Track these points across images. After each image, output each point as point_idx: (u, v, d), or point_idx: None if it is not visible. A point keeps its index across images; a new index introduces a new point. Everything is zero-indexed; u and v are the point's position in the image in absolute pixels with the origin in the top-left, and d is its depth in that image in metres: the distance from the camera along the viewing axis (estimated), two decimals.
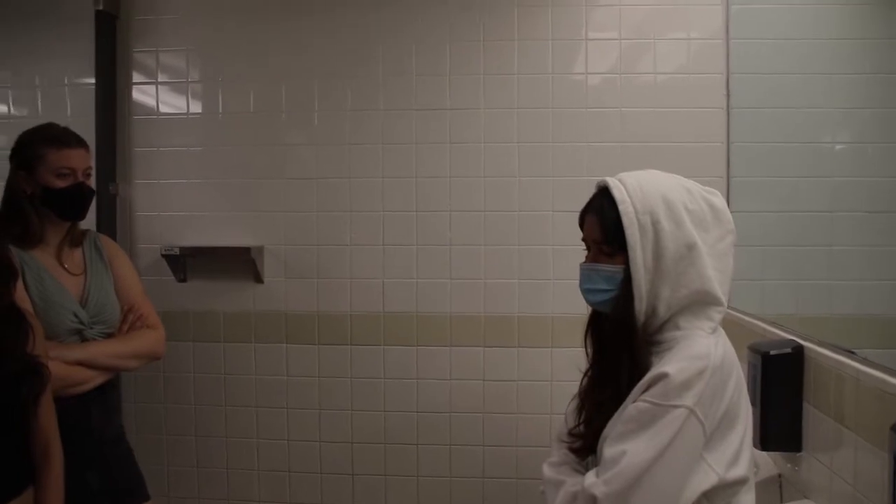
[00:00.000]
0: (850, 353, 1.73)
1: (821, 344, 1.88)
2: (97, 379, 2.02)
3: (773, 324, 2.22)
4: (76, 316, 2.01)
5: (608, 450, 1.24)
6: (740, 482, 1.28)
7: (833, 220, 2.20)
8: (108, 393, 2.12)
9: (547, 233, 2.78)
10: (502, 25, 2.84)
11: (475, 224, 2.86)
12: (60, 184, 2.01)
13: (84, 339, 2.03)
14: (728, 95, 2.75)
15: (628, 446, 1.21)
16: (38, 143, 2.03)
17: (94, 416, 2.04)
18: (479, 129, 2.85)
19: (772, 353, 1.94)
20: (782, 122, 2.45)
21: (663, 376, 1.22)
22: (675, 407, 1.21)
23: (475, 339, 2.87)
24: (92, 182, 2.13)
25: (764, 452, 2.13)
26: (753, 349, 1.99)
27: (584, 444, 1.38)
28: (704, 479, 1.23)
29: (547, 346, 2.74)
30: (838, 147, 2.28)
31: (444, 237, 2.88)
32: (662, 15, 2.79)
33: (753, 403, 1.97)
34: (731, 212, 2.71)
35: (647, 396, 1.23)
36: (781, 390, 1.92)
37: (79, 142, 2.09)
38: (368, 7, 2.89)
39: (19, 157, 2.03)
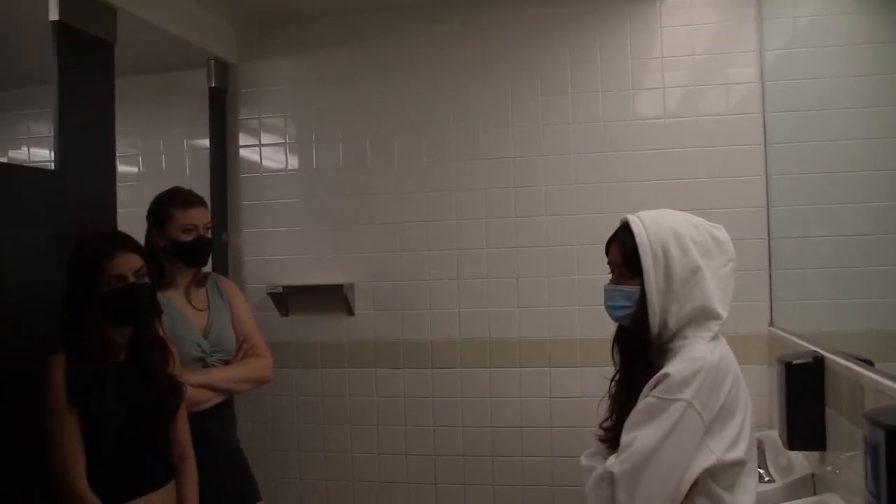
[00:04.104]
0: (866, 362, 1.91)
1: (838, 354, 2.08)
2: (215, 399, 2.36)
3: (802, 338, 2.43)
4: (199, 346, 2.36)
5: (624, 437, 1.53)
6: (739, 463, 1.53)
7: (869, 243, 2.30)
8: (225, 410, 2.45)
9: (604, 263, 3.02)
10: (557, 80, 3.15)
11: (539, 258, 3.15)
12: (185, 238, 2.37)
13: (206, 366, 2.37)
14: (765, 133, 2.96)
15: (639, 433, 1.50)
16: (167, 204, 2.40)
17: (213, 429, 2.36)
18: (539, 173, 3.15)
19: (794, 362, 2.17)
20: (817, 154, 2.60)
21: (666, 376, 1.51)
22: (676, 400, 1.48)
23: (542, 361, 3.13)
24: (210, 234, 2.49)
25: (800, 455, 2.35)
26: (780, 360, 2.23)
27: (613, 436, 1.66)
28: (705, 459, 1.48)
29: (607, 365, 2.96)
30: (872, 174, 2.40)
31: (512, 270, 3.18)
32: (703, 64, 3.04)
33: (779, 408, 2.22)
34: (772, 238, 2.96)
35: (654, 392, 1.52)
36: (804, 395, 2.14)
37: (200, 201, 2.46)
38: (437, 70, 3.25)
39: (154, 217, 2.41)
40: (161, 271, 2.36)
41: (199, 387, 2.30)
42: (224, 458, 2.43)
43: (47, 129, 3.67)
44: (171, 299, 2.37)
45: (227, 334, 2.48)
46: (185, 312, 2.39)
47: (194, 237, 2.39)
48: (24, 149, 3.84)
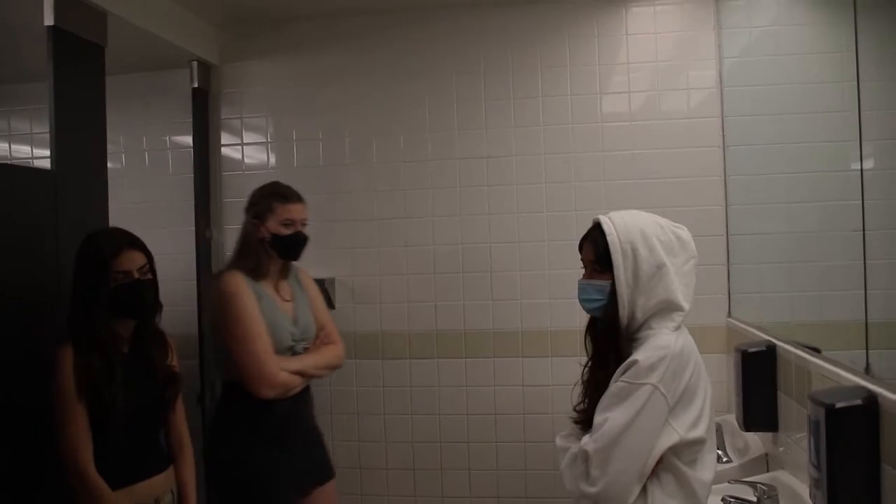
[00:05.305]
0: (814, 350, 2.08)
1: (789, 343, 2.26)
2: (304, 384, 2.49)
3: (757, 328, 2.62)
4: (292, 335, 2.47)
5: (596, 418, 1.68)
6: (700, 441, 1.68)
7: (819, 240, 2.45)
8: (309, 393, 2.60)
9: (573, 258, 3.15)
10: (528, 84, 3.30)
11: (511, 253, 3.30)
12: (285, 231, 2.46)
13: (294, 353, 2.48)
14: (723, 135, 3.14)
15: (610, 414, 1.65)
16: (269, 198, 2.48)
17: (305, 410, 2.53)
18: (511, 172, 3.30)
19: (749, 350, 2.35)
20: (771, 155, 2.75)
21: (634, 362, 1.66)
22: (643, 384, 1.63)
23: (514, 351, 3.29)
24: (306, 230, 2.57)
25: (756, 436, 2.54)
26: (736, 349, 2.41)
27: (586, 418, 1.80)
28: (669, 438, 1.64)
29: (577, 355, 3.11)
30: (822, 175, 2.48)
31: (486, 265, 3.33)
32: (665, 71, 3.22)
33: (736, 393, 2.40)
34: (730, 235, 3.13)
35: (623, 378, 1.67)
36: (758, 381, 2.32)
37: (299, 198, 2.55)
38: (416, 72, 3.38)
39: (254, 209, 2.49)
40: (258, 262, 2.46)
41: (294, 374, 2.41)
42: (312, 434, 2.59)
43: (27, 126, 3.74)
44: (266, 290, 2.47)
45: (311, 323, 2.58)
46: (277, 303, 2.49)
47: (292, 231, 2.48)
48: (3, 145, 3.88)
